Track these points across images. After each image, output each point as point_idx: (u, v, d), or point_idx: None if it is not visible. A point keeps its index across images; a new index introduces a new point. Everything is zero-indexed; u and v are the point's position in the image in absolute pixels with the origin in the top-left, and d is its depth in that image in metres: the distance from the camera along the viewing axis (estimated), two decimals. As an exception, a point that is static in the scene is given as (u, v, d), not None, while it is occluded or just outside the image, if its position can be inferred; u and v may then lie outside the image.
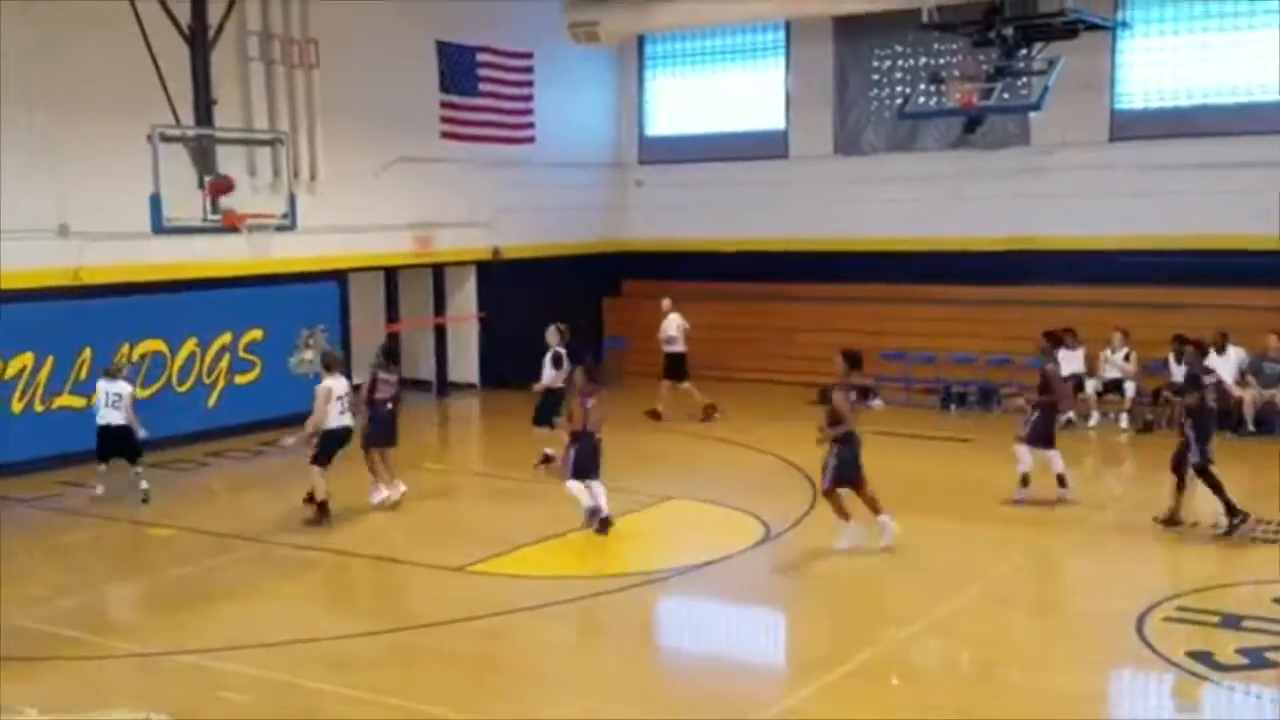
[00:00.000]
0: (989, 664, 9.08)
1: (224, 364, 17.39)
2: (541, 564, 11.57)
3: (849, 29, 21.46)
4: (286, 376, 17.37)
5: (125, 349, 15.99)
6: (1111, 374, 17.56)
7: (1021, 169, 20.24)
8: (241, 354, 17.58)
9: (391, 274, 20.13)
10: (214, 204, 14.60)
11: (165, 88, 14.68)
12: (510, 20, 21.28)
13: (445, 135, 20.45)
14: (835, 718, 8.09)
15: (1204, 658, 8.74)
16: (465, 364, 21.58)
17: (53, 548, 12.72)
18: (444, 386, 21.28)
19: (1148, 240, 19.17)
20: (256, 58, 17.50)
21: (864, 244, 21.51)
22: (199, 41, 14.97)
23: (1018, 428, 13.33)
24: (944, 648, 9.42)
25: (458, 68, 20.56)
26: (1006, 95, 18.13)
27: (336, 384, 12.99)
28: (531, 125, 21.87)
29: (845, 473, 11.46)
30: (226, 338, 17.37)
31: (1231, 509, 11.78)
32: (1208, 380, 12.11)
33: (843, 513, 11.51)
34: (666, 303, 18.96)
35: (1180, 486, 12.00)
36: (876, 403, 19.54)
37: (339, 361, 13.60)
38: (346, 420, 12.99)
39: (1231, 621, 9.46)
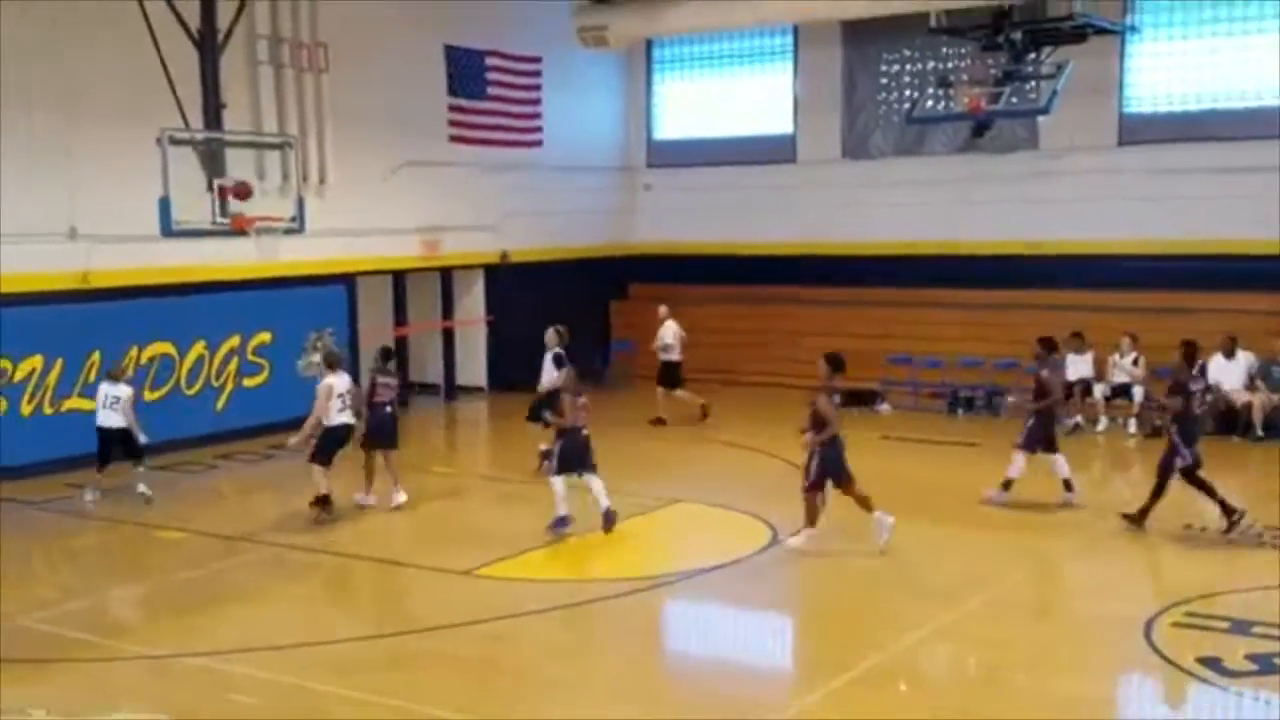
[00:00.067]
0: (996, 669, 9.06)
1: (232, 367, 17.43)
2: (548, 568, 11.58)
3: (857, 33, 21.45)
4: (295, 379, 17.37)
5: (134, 351, 16.03)
6: (1120, 378, 17.52)
7: (1030, 173, 20.22)
8: (250, 357, 17.61)
9: (399, 277, 20.16)
10: (222, 206, 14.63)
11: (174, 91, 14.74)
12: (519, 24, 21.31)
13: (453, 139, 20.49)
14: (842, 722, 8.10)
15: (1213, 663, 8.71)
16: (473, 367, 21.61)
17: (62, 550, 12.77)
18: (452, 389, 21.30)
19: (1156, 244, 19.14)
20: (266, 61, 17.55)
21: (872, 248, 21.49)
22: (208, 45, 15.01)
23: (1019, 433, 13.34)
24: (952, 653, 9.40)
25: (466, 72, 20.60)
26: (1015, 100, 18.12)
27: (338, 381, 13.05)
28: (539, 129, 21.90)
29: (828, 472, 11.47)
30: (235, 340, 17.41)
31: (1226, 507, 11.82)
32: (1194, 386, 12.15)
33: (812, 517, 11.56)
34: (663, 310, 18.93)
35: (1159, 490, 12.02)
36: (884, 407, 19.64)
37: (341, 359, 13.64)
38: (347, 418, 13.04)
39: (1241, 627, 9.43)
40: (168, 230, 14.25)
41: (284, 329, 17.86)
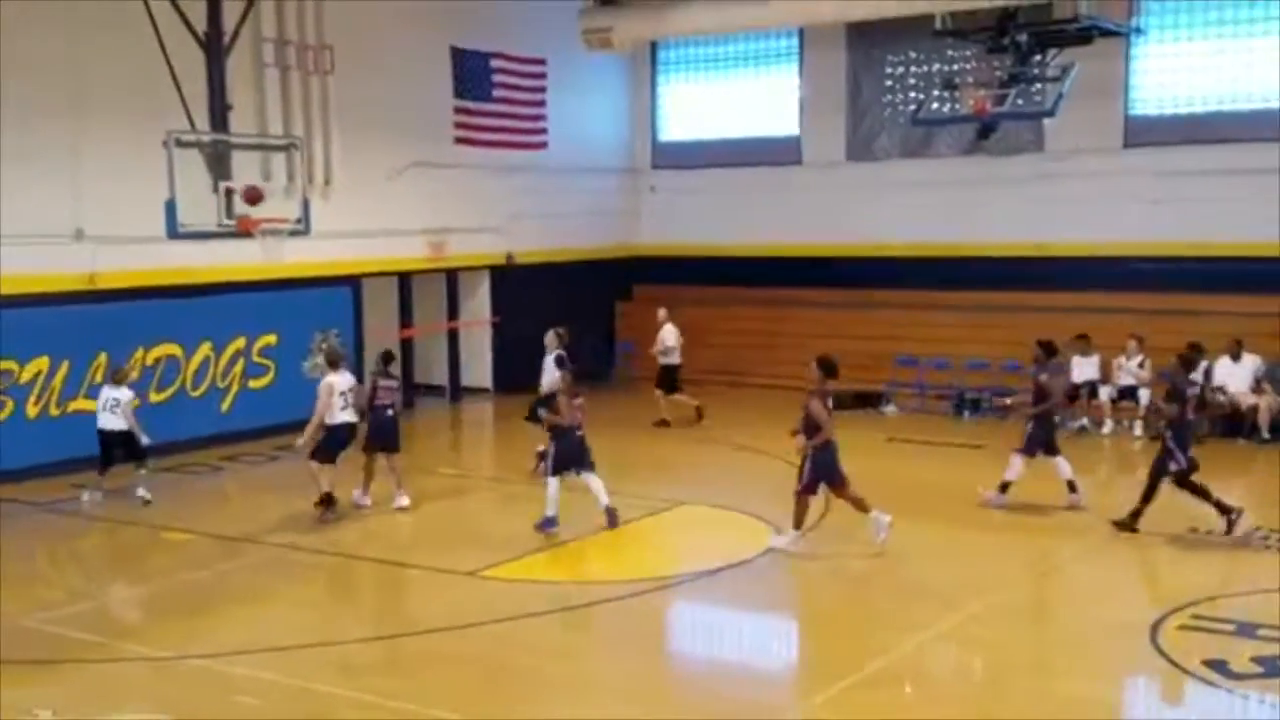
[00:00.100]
0: (1002, 672, 9.05)
1: (238, 368, 17.45)
2: (553, 569, 11.59)
3: (862, 35, 21.44)
4: (300, 381, 17.39)
5: (140, 353, 16.06)
6: (1126, 381, 17.48)
7: (1035, 175, 20.19)
8: (255, 358, 17.64)
9: (405, 279, 20.17)
10: (228, 208, 14.66)
11: (181, 93, 14.76)
12: (524, 26, 21.33)
13: (459, 141, 20.51)
14: (847, 725, 8.10)
15: (1219, 666, 8.70)
16: (478, 368, 21.61)
17: (67, 551, 12.79)
18: (457, 391, 21.31)
19: (1162, 247, 19.10)
20: (272, 63, 17.57)
21: (877, 250, 21.48)
22: (214, 47, 15.04)
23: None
24: (957, 656, 9.39)
25: (472, 73, 20.62)
26: (1020, 101, 18.11)
27: (339, 380, 13.09)
28: (545, 131, 21.92)
29: (821, 476, 11.48)
30: (240, 342, 17.43)
31: (1222, 507, 11.84)
32: (1190, 392, 12.15)
33: (800, 519, 11.57)
34: (662, 313, 18.89)
35: (1149, 494, 12.03)
36: (889, 408, 19.62)
37: (342, 357, 13.67)
38: (350, 416, 13.09)
39: (1246, 630, 9.40)
40: (174, 232, 14.28)
41: (289, 330, 17.89)
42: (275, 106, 17.63)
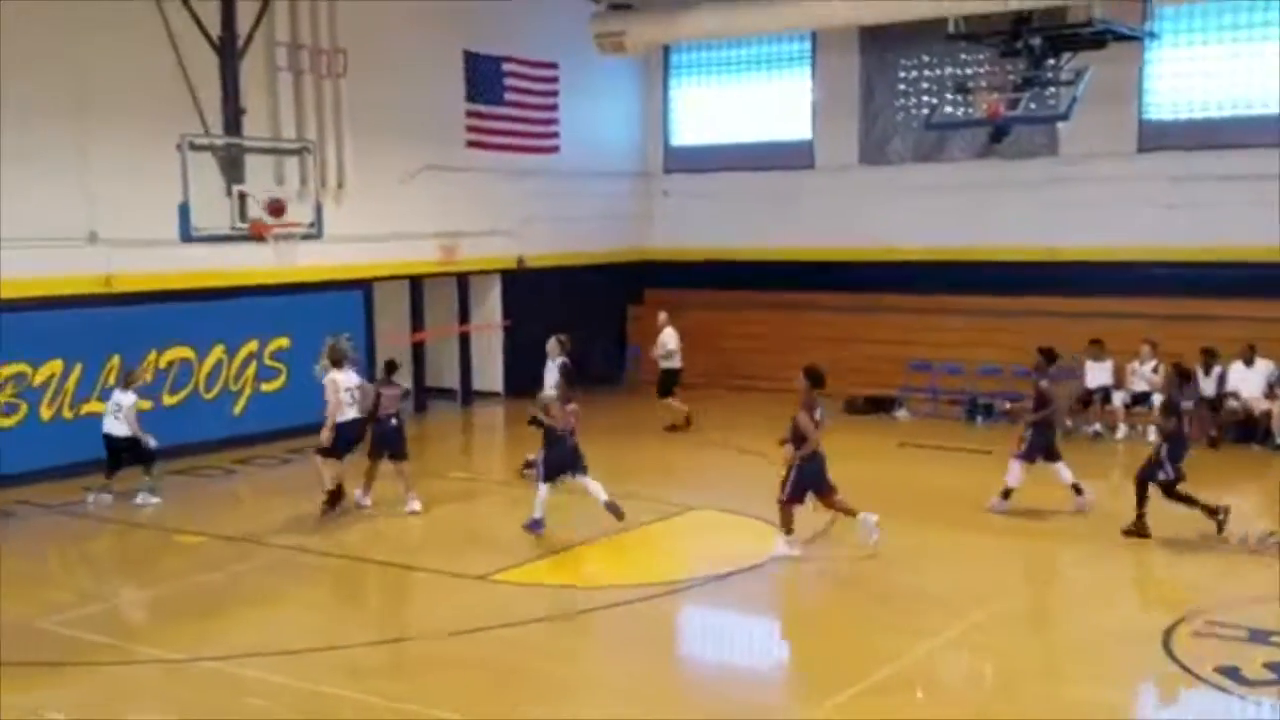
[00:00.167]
0: (1012, 678, 9.01)
1: (250, 371, 17.49)
2: (563, 573, 11.58)
3: (875, 39, 21.42)
4: (312, 384, 17.37)
5: (153, 356, 16.11)
6: (1140, 386, 17.43)
7: (1049, 179, 20.14)
8: (268, 361, 17.68)
9: (417, 282, 20.20)
10: (242, 212, 14.72)
11: (195, 97, 14.84)
12: (536, 30, 21.36)
13: (471, 144, 20.54)
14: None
15: (1232, 673, 8.66)
16: (490, 372, 21.62)
17: (79, 554, 12.85)
18: (468, 394, 21.33)
19: (1176, 251, 19.03)
20: (285, 67, 17.62)
21: (889, 254, 21.46)
22: (228, 51, 15.11)
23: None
24: (968, 662, 9.36)
25: (484, 77, 20.65)
26: (1034, 105, 18.04)
27: (343, 377, 13.16)
28: (556, 135, 21.94)
29: (808, 486, 11.49)
30: (253, 345, 17.48)
31: (1210, 510, 11.86)
32: (1184, 405, 12.14)
33: (788, 525, 11.58)
34: (663, 316, 18.86)
35: (1142, 499, 12.05)
36: (901, 413, 19.58)
37: (345, 356, 13.72)
38: (357, 413, 13.22)
39: (1259, 636, 9.36)
40: (187, 235, 14.34)
41: (302, 334, 17.87)
42: (288, 110, 17.68)
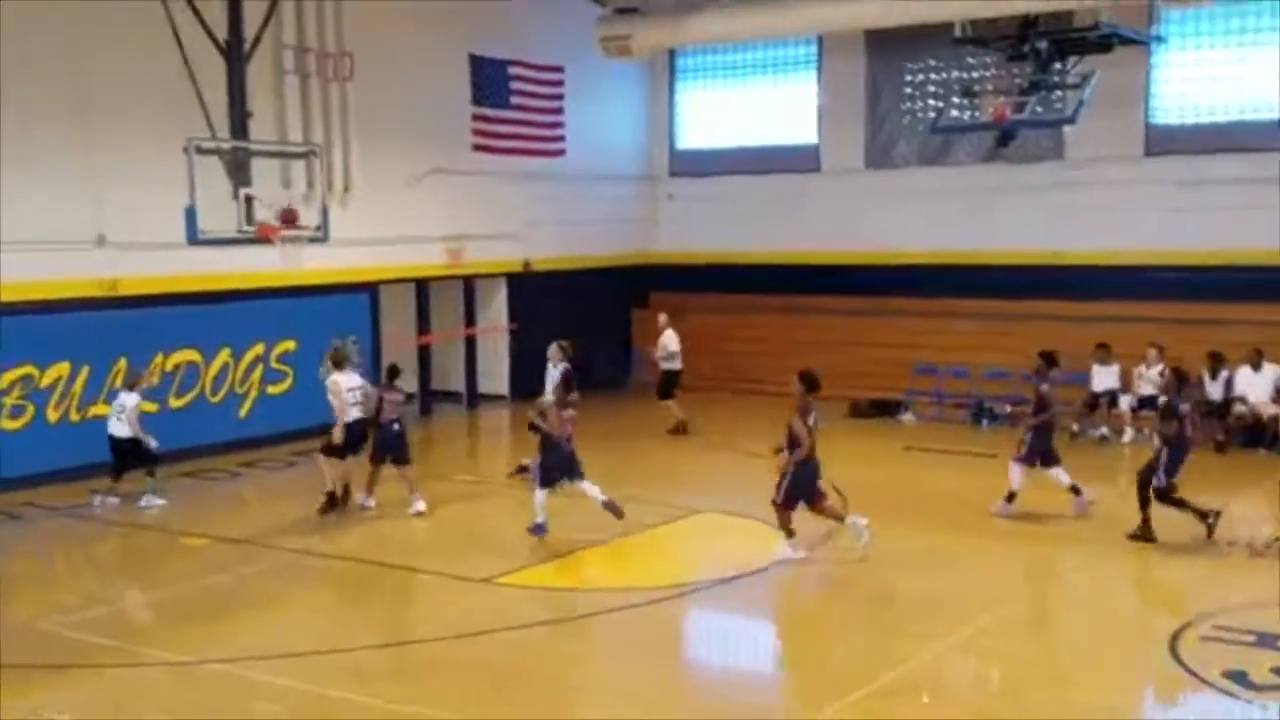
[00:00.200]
0: (1019, 683, 9.00)
1: (256, 374, 17.51)
2: (569, 576, 11.58)
3: (881, 43, 21.40)
4: (318, 387, 17.43)
5: (159, 359, 16.14)
6: (1146, 390, 17.39)
7: (1055, 183, 20.10)
8: (274, 364, 17.70)
9: (423, 286, 20.22)
10: (248, 215, 14.73)
11: (201, 100, 14.85)
12: (542, 34, 21.37)
13: (477, 148, 20.55)
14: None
15: (1239, 677, 8.64)
16: (495, 375, 21.63)
17: (85, 556, 12.87)
18: (474, 398, 21.35)
19: (1183, 255, 19.00)
20: (291, 70, 17.64)
21: (896, 257, 21.44)
22: (235, 54, 15.12)
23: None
24: (974, 666, 9.35)
25: (490, 81, 20.67)
26: (1040, 109, 18.04)
27: (345, 378, 13.23)
28: (562, 138, 21.94)
29: (799, 493, 11.49)
30: (259, 348, 17.50)
31: (1201, 514, 11.86)
32: (1184, 410, 12.12)
33: (787, 527, 11.59)
34: (663, 318, 18.86)
35: (1143, 500, 12.04)
36: (907, 416, 19.56)
37: (347, 358, 13.76)
38: (360, 413, 13.31)
39: (1267, 641, 9.34)
40: (194, 238, 14.35)
41: (308, 337, 17.89)
42: (295, 113, 17.70)
